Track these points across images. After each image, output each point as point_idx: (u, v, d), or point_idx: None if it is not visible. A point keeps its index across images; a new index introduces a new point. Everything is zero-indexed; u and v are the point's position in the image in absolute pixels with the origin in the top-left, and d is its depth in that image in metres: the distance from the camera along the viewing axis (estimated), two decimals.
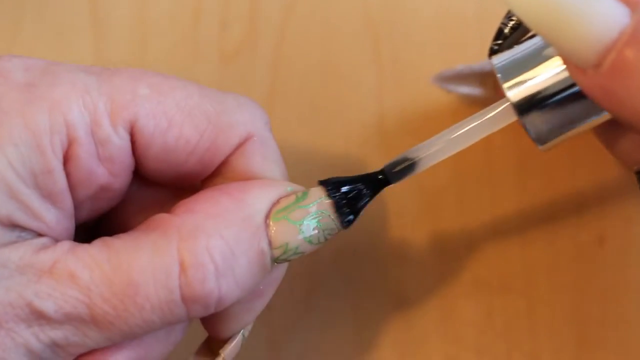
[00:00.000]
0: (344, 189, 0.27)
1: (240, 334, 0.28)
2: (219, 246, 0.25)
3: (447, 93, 0.34)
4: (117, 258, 0.25)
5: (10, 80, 0.25)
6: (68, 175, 0.26)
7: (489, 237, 0.34)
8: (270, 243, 0.26)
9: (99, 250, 0.25)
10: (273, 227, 0.26)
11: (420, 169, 0.27)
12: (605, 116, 0.26)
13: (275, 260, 0.26)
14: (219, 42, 0.36)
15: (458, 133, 0.27)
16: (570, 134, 0.27)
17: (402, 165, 0.27)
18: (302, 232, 0.26)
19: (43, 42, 0.36)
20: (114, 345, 0.25)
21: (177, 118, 0.26)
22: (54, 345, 0.25)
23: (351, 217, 0.27)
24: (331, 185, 0.27)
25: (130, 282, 0.24)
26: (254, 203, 0.26)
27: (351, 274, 0.34)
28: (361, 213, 0.27)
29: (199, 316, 0.26)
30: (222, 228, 0.25)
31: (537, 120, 0.26)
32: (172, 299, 0.25)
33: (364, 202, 0.27)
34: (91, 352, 0.25)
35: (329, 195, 0.26)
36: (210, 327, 0.28)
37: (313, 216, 0.26)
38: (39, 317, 0.24)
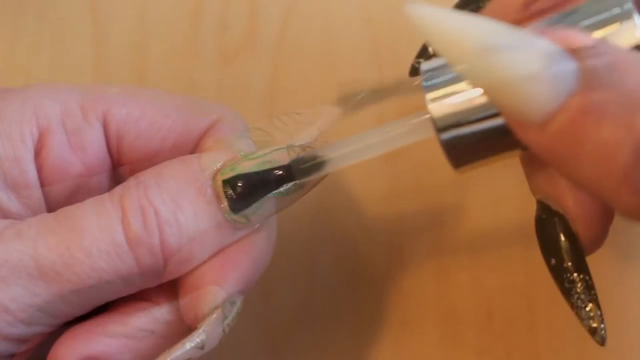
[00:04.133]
0: (241, 182, 0.26)
1: (219, 310, 0.26)
2: (158, 193, 0.25)
3: None
4: (63, 212, 0.25)
5: None
6: (40, 167, 0.26)
7: (489, 237, 0.34)
8: (219, 197, 0.26)
9: (47, 214, 0.25)
10: (220, 180, 0.26)
11: (328, 169, 0.26)
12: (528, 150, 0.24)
13: (232, 217, 0.26)
14: (219, 43, 0.36)
15: (373, 140, 0.26)
16: (488, 160, 0.24)
17: (310, 163, 0.26)
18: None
19: (44, 42, 0.36)
20: (100, 328, 0.25)
21: (148, 108, 0.27)
22: (3, 310, 0.24)
23: (239, 205, 0.26)
24: (234, 178, 0.26)
25: (75, 228, 0.25)
26: (200, 163, 0.26)
27: (351, 274, 0.34)
28: (256, 204, 0.26)
29: (149, 266, 0.25)
30: (163, 181, 0.26)
31: (456, 141, 0.23)
32: (117, 240, 0.25)
33: (259, 193, 0.26)
34: (76, 333, 0.25)
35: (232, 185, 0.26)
36: (184, 304, 0.27)
37: (261, 165, 0.26)
38: None
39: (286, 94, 0.35)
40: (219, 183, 0.26)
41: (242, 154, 0.27)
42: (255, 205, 0.26)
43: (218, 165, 0.26)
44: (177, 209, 0.25)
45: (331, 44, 0.35)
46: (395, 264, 0.34)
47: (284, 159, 0.26)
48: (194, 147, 0.28)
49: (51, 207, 0.27)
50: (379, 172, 0.35)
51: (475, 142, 0.23)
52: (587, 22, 0.23)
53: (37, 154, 0.26)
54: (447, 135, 0.23)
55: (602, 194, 0.20)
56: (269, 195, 0.26)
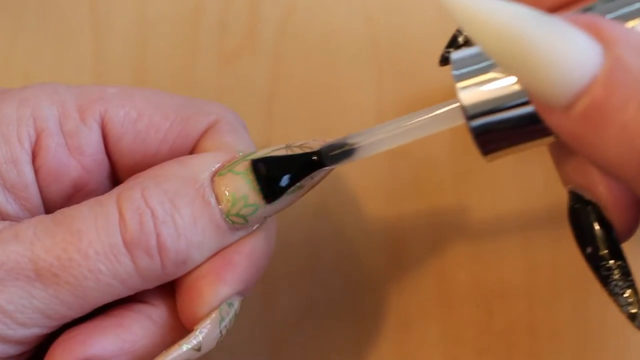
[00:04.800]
0: (269, 163, 0.26)
1: (217, 312, 0.26)
2: (155, 194, 0.25)
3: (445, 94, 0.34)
4: (61, 214, 0.25)
5: None
6: (38, 170, 0.26)
7: (489, 237, 0.34)
8: (217, 197, 0.26)
9: (45, 215, 0.25)
10: (217, 181, 0.26)
11: (358, 156, 0.26)
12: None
13: (229, 217, 0.26)
14: (219, 44, 0.36)
15: (403, 127, 0.26)
16: (517, 148, 0.25)
17: (340, 150, 0.26)
18: (248, 180, 0.26)
19: (43, 42, 0.36)
20: (96, 330, 0.25)
21: (146, 109, 0.27)
22: (1, 312, 0.24)
23: (274, 190, 0.26)
24: (261, 160, 0.26)
25: (72, 230, 0.24)
26: (199, 164, 0.26)
27: (351, 274, 0.34)
28: (289, 190, 0.26)
29: (147, 268, 0.25)
30: (161, 182, 0.26)
31: (486, 128, 0.24)
32: (114, 242, 0.25)
33: (289, 179, 0.26)
34: (72, 335, 0.25)
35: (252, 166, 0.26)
36: (181, 306, 0.27)
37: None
38: None
39: (286, 94, 0.35)
40: (217, 184, 0.26)
41: (240, 154, 0.27)
42: (287, 194, 0.26)
43: (216, 166, 0.26)
44: (175, 210, 0.25)
45: (331, 44, 0.35)
46: (395, 263, 0.34)
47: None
48: (193, 147, 0.28)
49: (49, 209, 0.27)
50: (378, 171, 0.35)
51: (505, 130, 0.24)
52: (609, 16, 0.23)
53: (35, 155, 0.26)
54: (477, 122, 0.24)
55: (626, 178, 0.20)
56: (299, 184, 0.26)
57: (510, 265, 0.34)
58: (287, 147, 0.27)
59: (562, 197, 0.34)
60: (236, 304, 0.27)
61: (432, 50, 0.35)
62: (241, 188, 0.26)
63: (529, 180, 0.34)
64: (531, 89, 0.21)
